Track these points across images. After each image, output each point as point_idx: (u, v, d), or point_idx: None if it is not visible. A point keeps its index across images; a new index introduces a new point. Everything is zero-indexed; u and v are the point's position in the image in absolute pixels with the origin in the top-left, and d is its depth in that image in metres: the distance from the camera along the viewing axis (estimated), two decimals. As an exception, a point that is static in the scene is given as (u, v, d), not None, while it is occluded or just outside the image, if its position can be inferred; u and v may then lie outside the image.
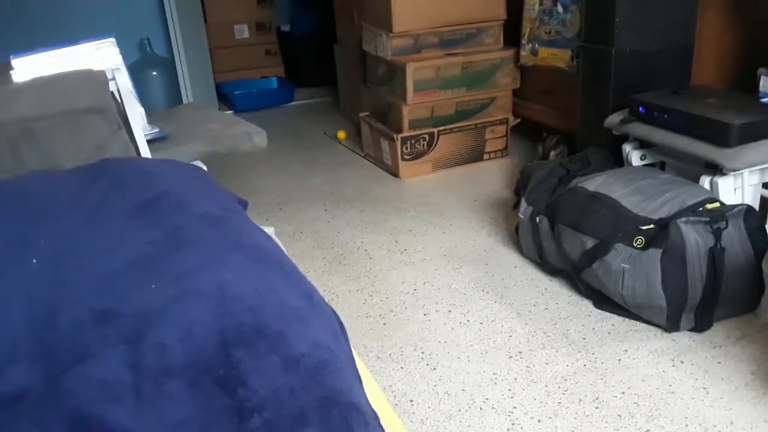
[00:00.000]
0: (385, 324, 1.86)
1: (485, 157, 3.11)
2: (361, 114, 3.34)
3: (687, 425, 1.40)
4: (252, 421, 0.65)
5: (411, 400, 1.54)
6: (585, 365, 1.61)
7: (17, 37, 3.32)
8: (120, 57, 2.07)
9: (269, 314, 0.82)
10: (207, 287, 0.86)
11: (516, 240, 2.23)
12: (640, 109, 2.07)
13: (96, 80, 1.81)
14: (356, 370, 0.85)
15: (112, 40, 2.08)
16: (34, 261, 0.97)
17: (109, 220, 1.07)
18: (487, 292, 1.98)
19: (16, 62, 2.12)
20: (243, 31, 4.73)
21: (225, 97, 4.45)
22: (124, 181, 1.20)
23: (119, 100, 1.90)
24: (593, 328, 1.76)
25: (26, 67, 2.10)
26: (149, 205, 1.11)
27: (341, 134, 3.64)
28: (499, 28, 3.07)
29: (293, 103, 4.60)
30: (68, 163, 1.70)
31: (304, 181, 3.07)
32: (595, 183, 1.92)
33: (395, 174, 3.02)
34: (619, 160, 2.24)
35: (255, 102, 4.42)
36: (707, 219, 1.65)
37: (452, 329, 1.81)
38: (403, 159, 2.97)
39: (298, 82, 4.75)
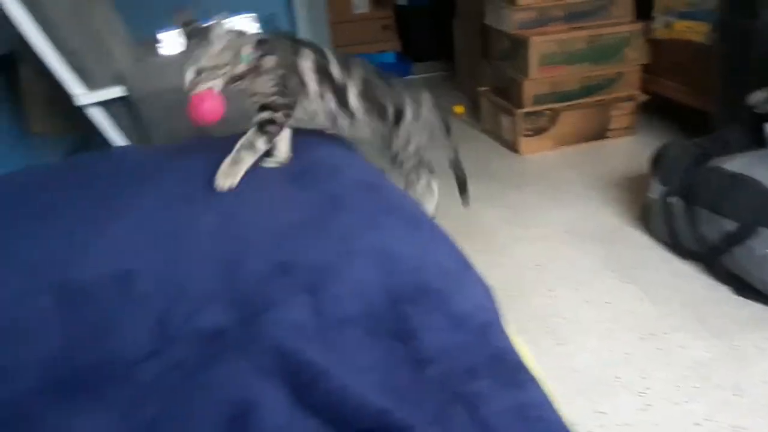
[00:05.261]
0: (509, 297, 1.87)
1: (610, 134, 3.01)
2: (481, 88, 3.31)
3: (838, 420, 1.33)
4: (429, 370, 0.69)
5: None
6: (723, 351, 1.56)
7: (158, 13, 3.53)
8: (261, 32, 2.17)
9: (431, 275, 0.86)
10: (370, 248, 0.91)
11: (643, 220, 2.16)
12: (792, 85, 1.94)
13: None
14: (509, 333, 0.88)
15: (254, 15, 2.19)
16: (208, 219, 1.06)
17: (271, 184, 1.15)
18: (615, 271, 1.95)
19: (162, 36, 2.28)
20: (361, 6, 4.79)
21: (343, 72, 4.53)
22: (281, 148, 1.27)
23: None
24: (731, 315, 1.69)
25: (172, 41, 2.26)
26: (306, 171, 1.18)
27: (459, 109, 3.63)
28: (629, -1, 2.94)
29: (410, 77, 4.63)
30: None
31: (422, 155, 3.09)
32: (736, 164, 1.82)
33: (515, 149, 2.99)
34: (760, 141, 2.11)
35: (372, 77, 4.48)
36: None
37: (578, 306, 1.79)
38: (523, 134, 2.94)
39: (414, 57, 4.77)
